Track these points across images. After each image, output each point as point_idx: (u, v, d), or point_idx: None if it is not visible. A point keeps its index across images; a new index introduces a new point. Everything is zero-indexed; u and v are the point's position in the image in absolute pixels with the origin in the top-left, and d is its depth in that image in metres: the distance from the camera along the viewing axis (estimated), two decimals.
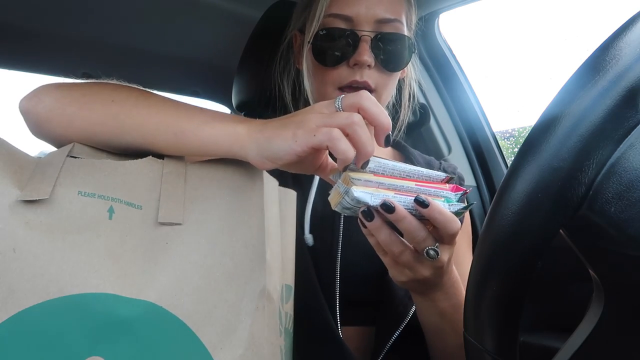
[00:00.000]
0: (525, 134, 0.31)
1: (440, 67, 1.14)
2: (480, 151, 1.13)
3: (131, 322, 0.34)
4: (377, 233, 0.46)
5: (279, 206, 0.47)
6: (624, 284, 0.29)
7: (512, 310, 0.32)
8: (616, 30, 0.28)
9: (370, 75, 0.65)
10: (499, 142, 1.14)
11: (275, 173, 0.47)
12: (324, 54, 0.66)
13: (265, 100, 0.84)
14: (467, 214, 0.78)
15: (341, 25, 0.65)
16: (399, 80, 0.75)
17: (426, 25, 1.10)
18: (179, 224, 0.39)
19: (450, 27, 1.14)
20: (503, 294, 0.31)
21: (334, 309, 0.60)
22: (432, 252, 0.45)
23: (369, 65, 0.64)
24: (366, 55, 0.63)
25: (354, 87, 0.65)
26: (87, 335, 0.33)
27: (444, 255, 0.47)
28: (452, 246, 0.48)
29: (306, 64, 0.70)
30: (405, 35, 0.67)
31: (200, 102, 1.67)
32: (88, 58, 1.28)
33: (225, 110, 1.77)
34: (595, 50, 0.28)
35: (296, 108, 0.83)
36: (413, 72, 0.78)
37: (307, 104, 0.80)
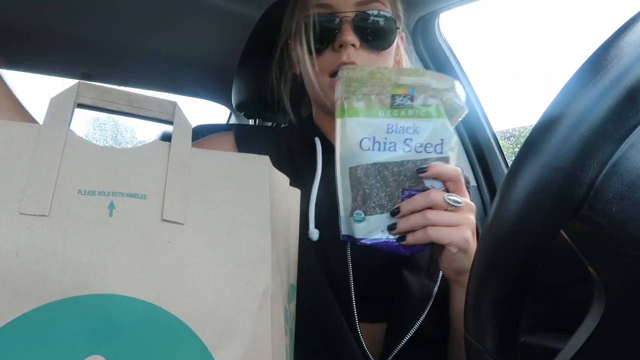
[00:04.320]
0: (526, 133, 0.31)
1: (441, 67, 1.14)
2: (480, 151, 1.13)
3: (131, 322, 0.34)
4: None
5: (288, 205, 0.47)
6: (625, 285, 0.29)
7: (512, 311, 0.32)
8: (617, 30, 0.28)
9: (357, 56, 0.65)
10: (500, 141, 1.14)
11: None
12: (310, 43, 0.67)
13: (265, 101, 0.84)
14: None
15: (324, 12, 0.67)
16: None
17: (426, 25, 1.10)
18: (182, 224, 0.38)
19: (450, 27, 1.14)
20: (504, 295, 0.31)
21: (350, 305, 0.60)
22: (452, 198, 0.50)
23: (353, 45, 0.65)
24: (348, 35, 0.64)
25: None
26: (88, 335, 0.33)
27: (465, 199, 0.52)
28: (462, 193, 0.52)
29: (298, 59, 0.71)
30: (387, 13, 0.68)
31: (201, 102, 1.67)
32: (87, 58, 1.28)
33: (225, 110, 1.77)
34: (596, 50, 0.28)
35: (297, 114, 0.82)
36: (409, 61, 0.78)
37: (308, 107, 0.79)
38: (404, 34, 0.77)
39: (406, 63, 0.77)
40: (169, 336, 0.35)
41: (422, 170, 0.51)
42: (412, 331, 0.59)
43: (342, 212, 0.54)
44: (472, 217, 0.53)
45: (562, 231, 0.30)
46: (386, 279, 0.64)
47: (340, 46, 0.65)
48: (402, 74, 0.51)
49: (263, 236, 0.41)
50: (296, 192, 0.50)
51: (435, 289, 0.62)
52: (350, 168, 0.52)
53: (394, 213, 0.52)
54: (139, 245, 0.37)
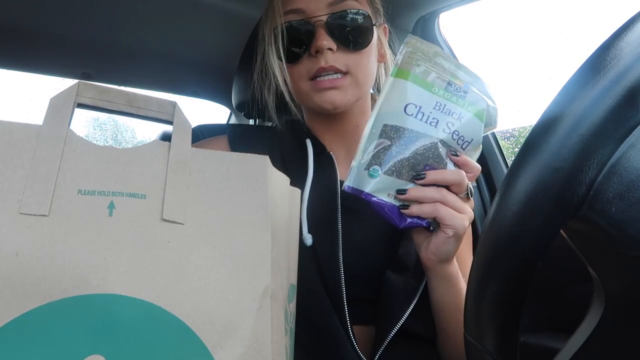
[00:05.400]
0: (526, 133, 0.31)
1: None
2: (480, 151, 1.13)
3: (131, 322, 0.34)
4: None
5: (289, 204, 0.47)
6: (625, 285, 0.29)
7: (512, 311, 0.32)
8: (617, 30, 0.28)
9: (336, 59, 0.64)
10: (500, 142, 1.14)
11: None
12: (286, 51, 0.66)
13: (265, 101, 0.84)
14: None
15: (296, 19, 0.65)
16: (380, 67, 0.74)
17: (426, 25, 1.10)
18: (181, 224, 0.39)
19: (450, 27, 1.14)
20: (503, 295, 0.31)
21: (342, 308, 0.60)
22: (471, 186, 0.55)
23: (330, 49, 0.64)
24: (324, 39, 0.63)
25: (323, 75, 0.64)
26: (88, 335, 0.33)
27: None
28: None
29: (273, 70, 0.69)
30: (361, 10, 0.65)
31: (201, 102, 1.67)
32: (88, 58, 1.28)
33: (225, 110, 1.77)
34: (596, 50, 0.28)
35: (283, 117, 0.80)
36: (392, 55, 0.77)
37: (299, 110, 0.77)
38: (386, 25, 0.75)
39: (390, 56, 0.76)
40: (169, 336, 0.35)
41: (455, 154, 0.54)
42: (395, 329, 0.59)
43: (355, 163, 0.54)
44: (471, 211, 0.56)
45: (562, 231, 0.30)
46: (378, 281, 0.64)
47: (317, 51, 0.64)
48: (460, 70, 0.54)
49: (263, 236, 0.41)
50: (296, 192, 0.50)
51: (421, 288, 0.62)
52: (385, 125, 0.54)
53: (419, 177, 0.54)
54: (139, 245, 0.37)
